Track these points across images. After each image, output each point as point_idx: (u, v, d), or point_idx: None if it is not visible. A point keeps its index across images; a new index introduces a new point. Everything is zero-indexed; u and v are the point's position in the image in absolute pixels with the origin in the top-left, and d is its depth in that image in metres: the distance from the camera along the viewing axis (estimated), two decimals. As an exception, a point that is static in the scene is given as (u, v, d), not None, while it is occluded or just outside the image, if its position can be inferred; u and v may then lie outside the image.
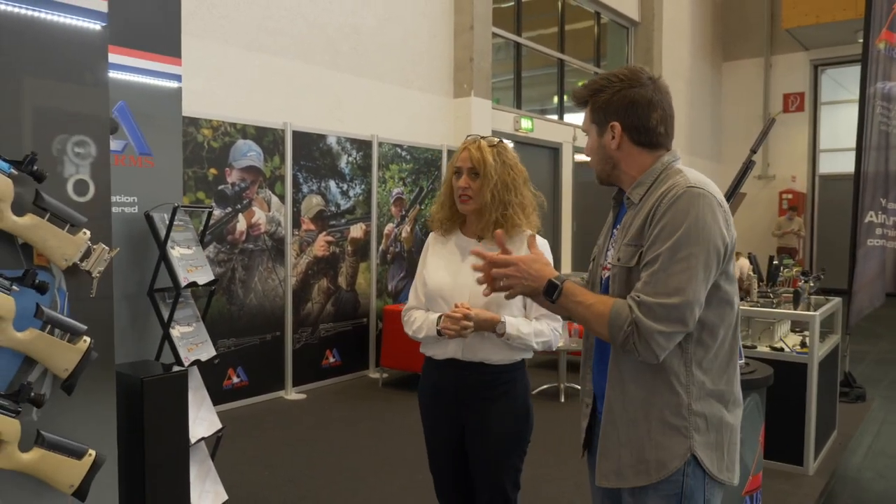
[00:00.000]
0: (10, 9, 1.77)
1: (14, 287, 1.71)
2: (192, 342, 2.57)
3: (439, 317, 2.21)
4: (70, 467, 1.82)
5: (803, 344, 4.17)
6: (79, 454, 1.84)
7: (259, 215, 5.33)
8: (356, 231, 6.17)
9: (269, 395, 5.47)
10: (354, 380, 6.19)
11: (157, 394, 2.23)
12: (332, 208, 5.96)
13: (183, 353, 2.49)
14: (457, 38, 7.66)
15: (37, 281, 1.75)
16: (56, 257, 1.79)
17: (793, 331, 4.60)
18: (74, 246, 1.82)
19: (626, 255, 1.57)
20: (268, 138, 5.38)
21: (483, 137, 2.27)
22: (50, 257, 1.79)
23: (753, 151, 2.93)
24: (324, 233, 5.88)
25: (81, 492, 1.85)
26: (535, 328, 2.21)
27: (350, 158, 6.09)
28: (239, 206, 5.17)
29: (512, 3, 9.02)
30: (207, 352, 2.63)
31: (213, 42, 5.29)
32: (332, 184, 5.94)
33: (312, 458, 4.21)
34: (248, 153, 5.25)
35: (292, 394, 5.63)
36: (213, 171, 4.97)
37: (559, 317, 2.23)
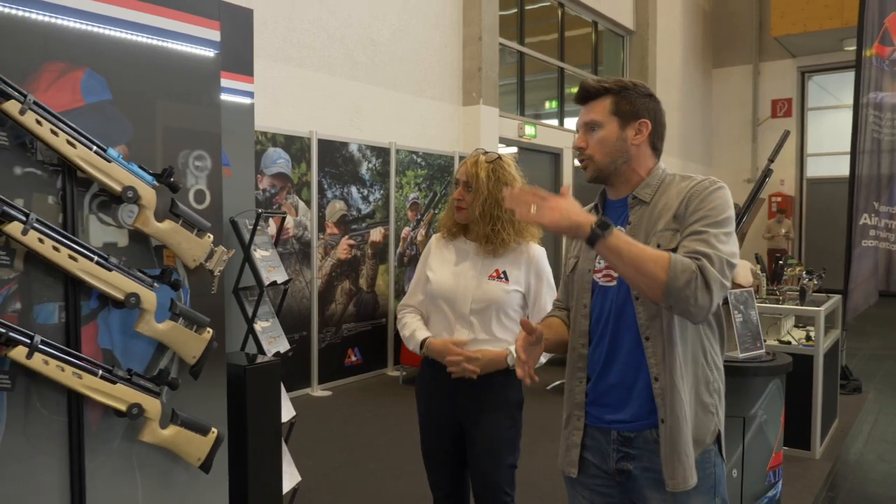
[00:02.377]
0: (145, 40, 2.02)
1: (155, 284, 1.96)
2: (271, 336, 2.82)
3: (422, 340, 2.28)
4: (198, 442, 2.06)
5: (808, 338, 4.48)
6: (205, 431, 2.08)
7: (288, 220, 5.57)
8: (376, 235, 6.43)
9: (297, 392, 5.70)
10: (375, 377, 6.43)
11: (257, 380, 2.48)
12: (354, 213, 6.21)
13: (265, 346, 2.74)
14: (465, 49, 7.94)
15: (172, 279, 2.00)
16: (187, 258, 2.04)
17: (796, 326, 4.92)
18: (202, 248, 2.07)
19: (666, 240, 1.61)
20: (295, 146, 5.62)
21: (486, 152, 2.34)
22: (182, 258, 2.04)
23: (771, 161, 3.21)
24: (346, 236, 6.13)
25: (206, 465, 2.10)
26: None
27: (370, 165, 6.34)
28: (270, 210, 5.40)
29: (515, 11, 9.30)
30: (283, 345, 2.88)
31: (243, 54, 5.53)
32: (353, 189, 6.19)
33: (349, 449, 4.45)
34: (278, 160, 5.50)
35: (318, 391, 5.87)
36: (246, 177, 5.20)
37: None
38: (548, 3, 10.07)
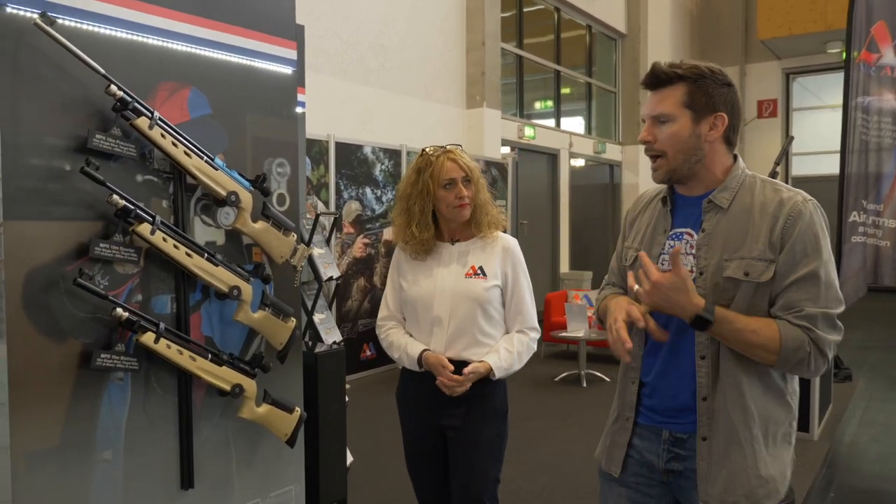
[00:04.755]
0: (237, 60, 2.26)
1: (251, 278, 2.20)
2: (326, 327, 3.06)
3: (419, 354, 2.25)
4: (286, 420, 2.30)
5: (806, 328, 4.79)
6: (290, 409, 2.32)
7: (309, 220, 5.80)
8: (388, 234, 6.67)
9: (317, 386, 5.93)
10: (387, 372, 6.67)
11: (326, 365, 2.72)
12: (368, 213, 6.45)
13: (322, 336, 2.98)
14: (469, 54, 8.20)
15: (264, 273, 2.24)
16: (276, 255, 2.28)
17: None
18: (288, 246, 2.31)
19: (757, 271, 1.51)
20: (315, 149, 5.86)
21: (444, 147, 2.30)
22: (271, 255, 2.28)
23: (777, 164, 3.50)
24: (361, 235, 6.37)
25: (291, 440, 2.34)
26: (517, 351, 2.25)
27: (383, 167, 6.59)
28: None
29: (513, 13, 9.58)
30: (337, 335, 3.12)
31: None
32: (367, 190, 6.43)
33: (377, 435, 4.70)
34: (298, 163, 5.72)
35: (336, 384, 6.10)
36: (269, 180, 5.44)
37: (536, 326, 2.31)
38: (543, 7, 10.35)
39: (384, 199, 6.61)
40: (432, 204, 2.26)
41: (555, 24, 10.57)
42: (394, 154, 6.72)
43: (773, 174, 3.57)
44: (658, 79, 1.59)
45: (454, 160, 2.25)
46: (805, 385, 4.54)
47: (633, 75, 12.00)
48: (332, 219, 3.54)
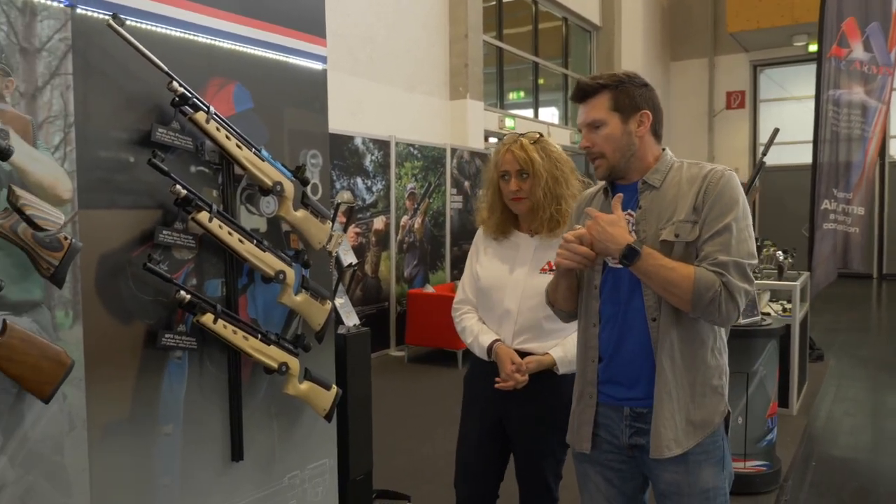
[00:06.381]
0: (274, 56, 2.39)
1: (292, 263, 2.34)
2: (346, 311, 3.20)
3: (490, 344, 2.28)
4: (324, 396, 2.45)
5: (784, 310, 5.05)
6: (328, 386, 2.47)
7: (302, 210, 5.92)
8: (378, 223, 6.80)
9: (312, 372, 6.06)
10: (379, 358, 6.82)
11: (354, 346, 2.87)
12: (359, 202, 6.57)
13: (343, 319, 3.12)
14: (452, 46, 8.34)
15: (304, 258, 2.38)
16: (314, 241, 2.42)
17: (771, 301, 5.50)
18: (324, 233, 2.44)
19: (685, 231, 1.70)
20: (308, 140, 5.95)
21: (521, 135, 2.28)
22: (310, 241, 2.41)
23: (764, 154, 3.72)
24: (353, 225, 6.49)
25: (329, 415, 2.48)
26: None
27: (373, 157, 6.71)
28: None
29: (494, 3, 9.72)
30: (355, 319, 3.27)
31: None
32: (358, 180, 6.55)
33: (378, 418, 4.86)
34: (293, 154, 5.82)
35: (331, 370, 6.24)
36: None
37: None
38: None
39: (374, 189, 6.74)
40: (500, 192, 2.30)
41: (532, 16, 10.75)
42: (383, 144, 6.84)
43: (761, 164, 3.79)
44: (585, 91, 1.81)
45: (512, 152, 2.24)
46: (785, 364, 4.81)
47: (608, 66, 12.25)
48: (348, 208, 3.67)
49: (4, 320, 1.58)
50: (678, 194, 1.74)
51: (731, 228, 1.67)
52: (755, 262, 1.70)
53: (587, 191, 2.06)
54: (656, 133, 1.82)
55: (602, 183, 1.93)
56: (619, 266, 1.75)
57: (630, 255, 1.66)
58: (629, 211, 1.79)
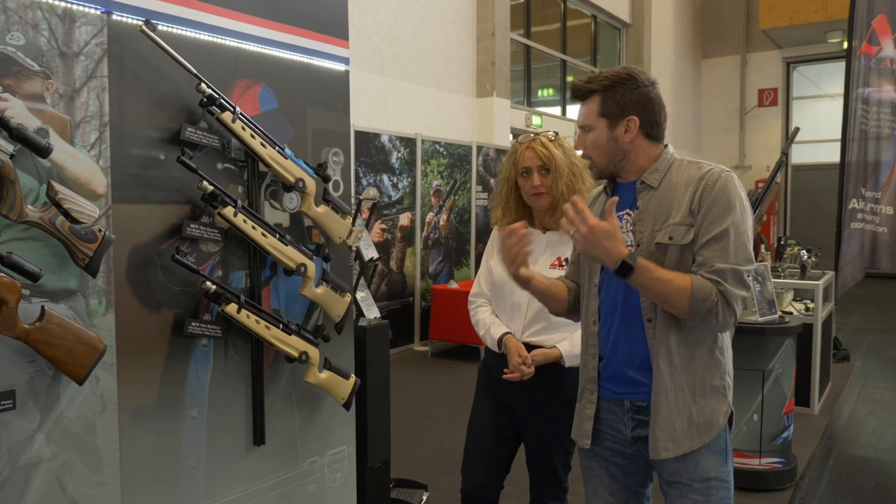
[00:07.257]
0: (298, 58, 2.49)
1: (313, 257, 2.44)
2: (367, 304, 3.30)
3: (500, 337, 2.35)
4: (344, 385, 2.54)
5: (807, 309, 5.04)
6: (347, 376, 2.56)
7: (329, 206, 6.04)
8: (404, 220, 6.90)
9: (338, 365, 6.20)
10: (403, 352, 6.93)
11: (373, 337, 2.96)
12: (385, 199, 6.67)
13: (364, 311, 3.22)
14: (479, 44, 8.40)
15: (325, 252, 2.47)
16: (335, 236, 2.51)
17: (795, 299, 5.48)
18: (345, 228, 2.54)
19: (679, 234, 1.69)
20: (336, 137, 6.07)
21: (537, 134, 2.33)
22: (330, 236, 2.51)
23: (784, 153, 3.73)
24: (379, 221, 6.60)
25: (348, 403, 2.57)
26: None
27: (399, 154, 6.81)
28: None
29: (522, 1, 9.76)
30: (376, 312, 3.36)
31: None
32: (385, 177, 6.65)
33: (402, 409, 4.96)
34: (320, 151, 5.95)
35: (356, 364, 6.37)
36: (293, 167, 5.67)
37: None
38: (550, -2, 10.55)
39: (400, 185, 6.84)
40: (516, 190, 2.35)
41: (561, 13, 10.76)
42: (409, 142, 6.94)
43: (781, 163, 3.80)
44: (581, 94, 1.82)
45: (533, 149, 2.29)
46: (805, 364, 4.80)
47: (637, 64, 12.18)
48: (371, 204, 3.77)
49: (43, 306, 1.70)
50: (675, 195, 1.74)
51: (729, 233, 1.66)
52: (752, 266, 1.70)
53: (594, 189, 2.12)
54: (650, 136, 1.79)
55: (604, 185, 1.96)
56: None
57: (624, 270, 1.64)
58: (628, 210, 1.80)
